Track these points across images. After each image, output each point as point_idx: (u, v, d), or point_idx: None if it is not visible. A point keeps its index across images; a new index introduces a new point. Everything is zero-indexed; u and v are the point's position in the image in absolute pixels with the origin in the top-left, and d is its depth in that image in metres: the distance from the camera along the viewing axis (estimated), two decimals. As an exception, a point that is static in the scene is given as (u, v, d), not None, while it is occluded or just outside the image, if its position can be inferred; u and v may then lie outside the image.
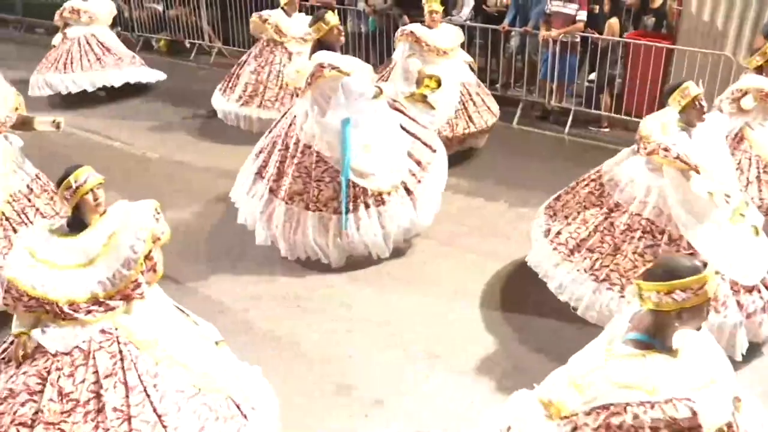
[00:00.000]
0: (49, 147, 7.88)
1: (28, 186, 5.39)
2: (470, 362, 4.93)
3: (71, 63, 10.55)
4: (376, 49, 10.98)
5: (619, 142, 8.94)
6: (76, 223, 3.70)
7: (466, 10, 10.31)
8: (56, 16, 10.97)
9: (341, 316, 5.50)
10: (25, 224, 5.18)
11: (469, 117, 8.12)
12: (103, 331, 3.54)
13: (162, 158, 8.82)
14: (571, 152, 8.79)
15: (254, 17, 9.42)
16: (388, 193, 5.96)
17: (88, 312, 3.52)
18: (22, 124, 5.22)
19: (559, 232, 5.32)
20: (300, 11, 9.60)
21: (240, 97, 9.19)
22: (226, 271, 6.13)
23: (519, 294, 5.75)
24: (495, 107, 8.52)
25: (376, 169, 5.93)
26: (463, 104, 8.10)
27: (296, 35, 9.16)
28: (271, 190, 6.04)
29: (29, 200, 5.34)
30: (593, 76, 9.62)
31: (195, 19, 13.60)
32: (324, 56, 5.98)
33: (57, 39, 10.91)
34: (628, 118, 9.14)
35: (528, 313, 5.48)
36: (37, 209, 5.35)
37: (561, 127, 9.55)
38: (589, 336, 3.23)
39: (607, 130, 9.52)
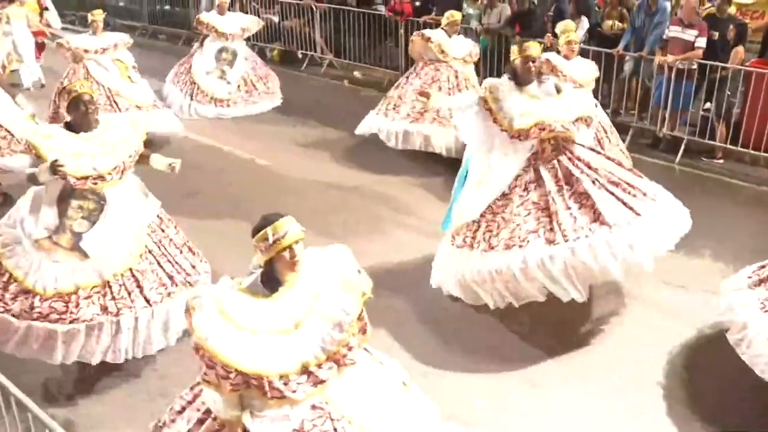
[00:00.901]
0: (167, 151, 8.10)
1: (158, 215, 5.24)
2: None
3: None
4: (486, 67, 10.94)
5: (733, 175, 8.64)
6: (270, 280, 3.29)
7: (581, 32, 10.12)
8: (197, 25, 11.31)
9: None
10: (166, 257, 5.05)
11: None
12: (314, 407, 3.18)
13: (271, 165, 9.04)
14: (682, 183, 8.47)
15: (416, 36, 9.27)
16: None
17: (298, 385, 3.10)
18: (140, 157, 5.19)
19: None
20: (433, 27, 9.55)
21: (408, 115, 8.88)
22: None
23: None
24: (624, 149, 8.18)
25: None
26: (599, 142, 7.51)
27: (458, 56, 9.03)
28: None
29: (162, 230, 5.20)
30: (709, 105, 9.31)
31: (309, 31, 13.92)
32: None
33: (196, 47, 11.31)
34: (745, 150, 8.78)
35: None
36: (171, 239, 5.20)
37: (672, 155, 9.25)
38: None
39: (720, 161, 9.15)
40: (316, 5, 13.49)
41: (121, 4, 19.01)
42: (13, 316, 4.58)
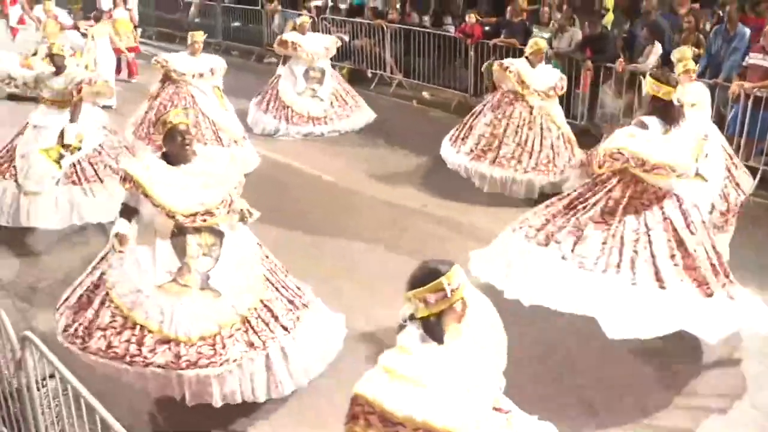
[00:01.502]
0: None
1: (256, 242, 5.09)
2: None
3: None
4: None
5: (810, 209, 8.37)
6: (434, 333, 3.02)
7: (653, 58, 9.99)
8: (276, 45, 11.39)
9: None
10: (280, 282, 4.96)
11: (737, 183, 7.02)
12: None
13: (338, 182, 9.16)
14: (756, 215, 8.26)
15: (496, 65, 8.82)
16: None
17: None
18: None
19: None
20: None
21: (471, 150, 8.53)
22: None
23: None
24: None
25: None
26: (728, 168, 7.00)
27: (539, 88, 8.47)
28: None
29: (267, 256, 5.07)
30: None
31: (379, 51, 14.05)
32: None
33: (281, 71, 11.29)
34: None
35: None
36: (275, 263, 5.09)
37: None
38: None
39: (798, 194, 8.89)
40: (386, 25, 13.61)
41: (197, 20, 19.51)
42: (159, 367, 4.38)
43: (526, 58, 8.67)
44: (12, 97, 12.74)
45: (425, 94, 13.43)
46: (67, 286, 6.48)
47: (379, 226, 7.77)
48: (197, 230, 4.60)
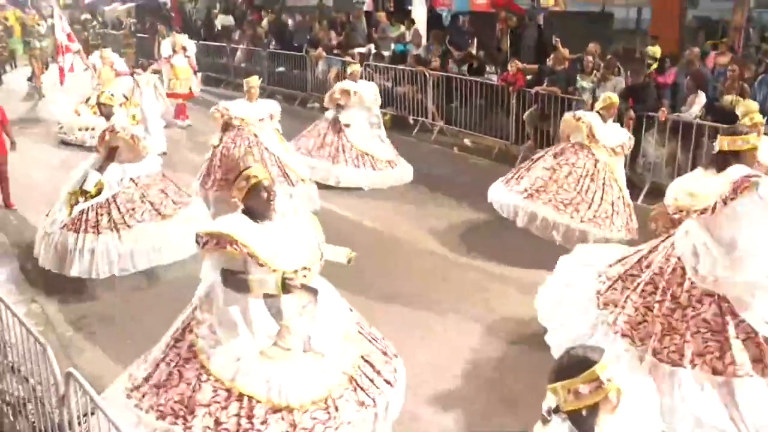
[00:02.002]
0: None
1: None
2: None
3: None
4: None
5: None
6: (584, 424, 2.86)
7: (696, 108, 9.95)
8: (327, 98, 11.28)
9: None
10: (367, 331, 4.87)
11: None
12: None
13: (379, 227, 9.21)
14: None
15: (568, 116, 8.53)
16: None
17: None
18: None
19: None
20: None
21: (525, 190, 8.19)
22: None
23: None
24: None
25: None
26: None
27: (609, 144, 8.17)
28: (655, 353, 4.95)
29: (351, 310, 4.95)
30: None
31: (421, 97, 14.18)
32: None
33: (329, 114, 11.29)
34: None
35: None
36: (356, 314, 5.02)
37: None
38: None
39: None
40: (429, 72, 13.75)
41: (243, 65, 19.94)
42: None
43: (598, 112, 8.34)
44: (65, 143, 13.14)
45: (466, 141, 13.50)
46: (108, 324, 6.70)
47: (421, 274, 7.76)
48: (292, 289, 4.25)
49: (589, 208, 7.89)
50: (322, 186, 10.18)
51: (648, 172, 10.37)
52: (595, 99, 10.83)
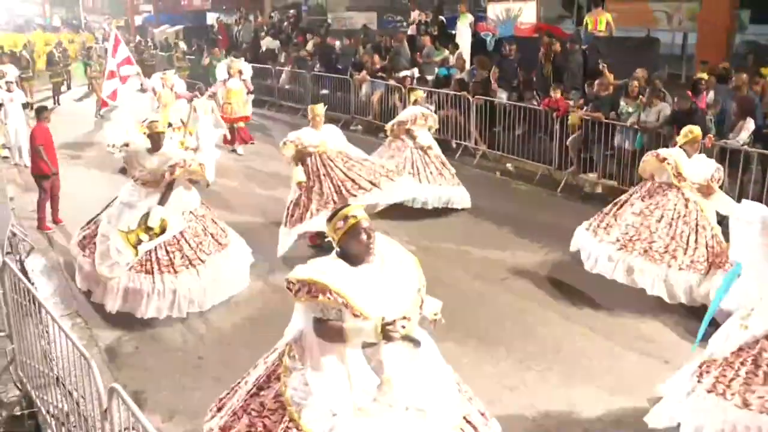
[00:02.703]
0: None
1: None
2: None
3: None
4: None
5: None
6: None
7: (745, 134, 9.79)
8: (395, 128, 10.97)
9: None
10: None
11: None
12: None
13: (420, 252, 9.08)
14: None
15: (650, 156, 7.94)
16: None
17: None
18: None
19: None
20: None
21: (617, 240, 7.65)
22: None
23: None
24: None
25: None
26: None
27: (697, 181, 7.64)
28: None
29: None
30: None
31: (463, 121, 14.19)
32: None
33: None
34: None
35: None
36: None
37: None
38: None
39: None
40: (472, 98, 13.76)
41: (287, 87, 20.20)
42: None
43: (682, 147, 7.74)
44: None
45: (509, 166, 13.45)
46: (150, 340, 6.79)
47: (459, 297, 7.68)
48: (393, 337, 3.79)
49: (685, 253, 7.36)
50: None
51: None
52: (640, 124, 10.76)
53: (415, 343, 3.90)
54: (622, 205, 7.98)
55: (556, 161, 12.37)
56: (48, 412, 5.27)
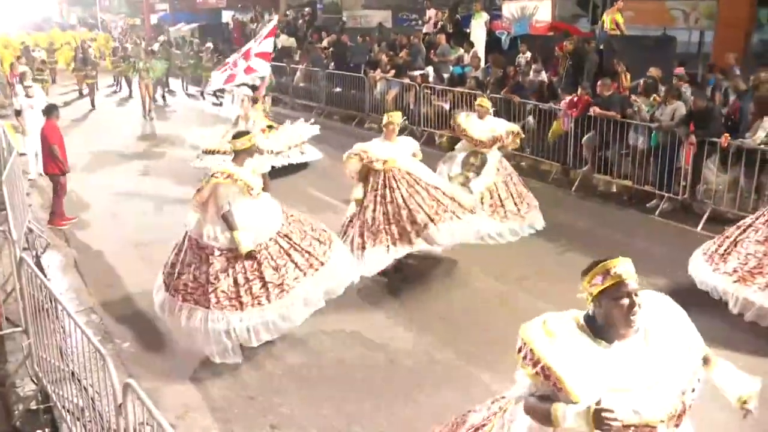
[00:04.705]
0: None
1: None
2: None
3: None
4: (657, 165, 10.67)
5: None
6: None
7: (762, 134, 9.71)
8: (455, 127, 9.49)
9: None
10: None
11: None
12: None
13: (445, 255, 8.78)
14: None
15: None
16: None
17: None
18: None
19: None
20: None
21: (735, 271, 6.76)
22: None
23: None
24: None
25: None
26: None
27: None
28: None
29: None
30: None
31: (478, 120, 14.14)
32: None
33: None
34: None
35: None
36: None
37: None
38: None
39: None
40: (486, 95, 13.72)
41: (302, 84, 20.25)
42: None
43: None
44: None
45: (523, 164, 13.41)
46: (164, 336, 6.81)
47: (477, 297, 7.68)
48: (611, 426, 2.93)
49: None
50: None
51: (709, 199, 10.16)
52: (654, 121, 10.69)
53: None
54: (745, 229, 7.00)
55: (571, 160, 12.33)
56: (63, 406, 5.31)
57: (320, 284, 6.38)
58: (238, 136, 6.60)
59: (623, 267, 3.10)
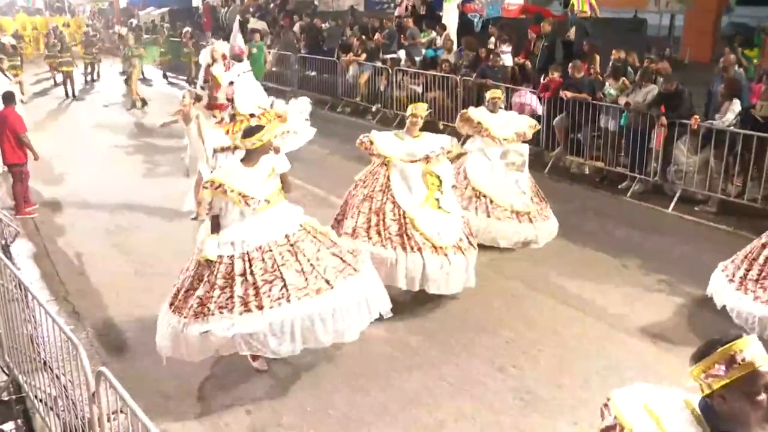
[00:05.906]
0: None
1: None
2: None
3: None
4: (629, 147, 10.76)
5: None
6: None
7: (731, 116, 9.81)
8: (458, 123, 8.93)
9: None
10: None
11: None
12: None
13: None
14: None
15: None
16: None
17: None
18: None
19: None
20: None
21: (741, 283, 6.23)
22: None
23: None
24: None
25: None
26: None
27: None
28: None
29: None
30: None
31: (450, 103, 14.16)
32: None
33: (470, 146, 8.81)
34: None
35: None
36: None
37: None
38: None
39: None
40: (459, 78, 13.74)
41: (274, 69, 20.10)
42: None
43: None
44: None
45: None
46: (138, 323, 6.74)
47: (495, 299, 7.41)
48: None
49: None
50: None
51: (680, 180, 10.26)
52: (627, 105, 10.75)
53: None
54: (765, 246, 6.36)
55: (543, 142, 12.37)
56: (36, 396, 5.26)
57: (322, 316, 5.33)
58: (248, 133, 5.59)
59: (753, 350, 2.35)
